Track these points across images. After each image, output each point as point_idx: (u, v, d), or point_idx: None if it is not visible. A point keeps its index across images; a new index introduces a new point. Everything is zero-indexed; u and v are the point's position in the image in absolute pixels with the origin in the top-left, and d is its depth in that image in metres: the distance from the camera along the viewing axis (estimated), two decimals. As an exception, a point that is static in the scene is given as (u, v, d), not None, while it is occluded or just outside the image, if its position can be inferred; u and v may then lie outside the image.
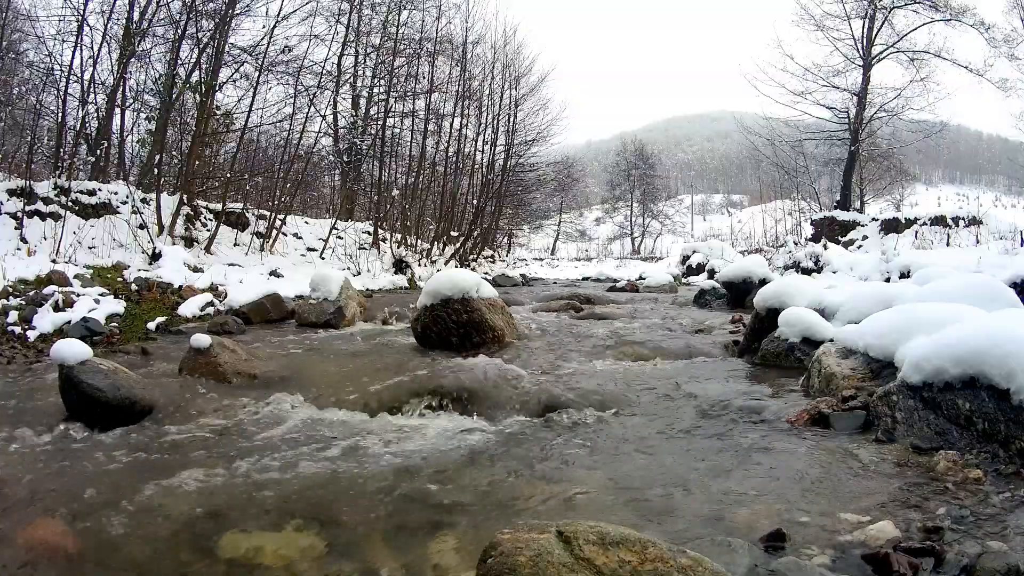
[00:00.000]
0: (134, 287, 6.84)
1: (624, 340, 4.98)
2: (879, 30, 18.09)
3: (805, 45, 47.74)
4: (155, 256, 8.21)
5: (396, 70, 15.08)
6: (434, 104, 16.38)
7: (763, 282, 6.94)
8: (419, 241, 16.05)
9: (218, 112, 11.94)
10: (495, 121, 19.33)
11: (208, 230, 10.48)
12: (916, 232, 13.87)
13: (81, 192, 8.77)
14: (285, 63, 12.23)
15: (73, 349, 2.95)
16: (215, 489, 2.14)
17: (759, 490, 1.94)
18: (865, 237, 15.57)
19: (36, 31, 10.78)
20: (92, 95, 10.20)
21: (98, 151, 10.22)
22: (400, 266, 12.89)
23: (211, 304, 6.68)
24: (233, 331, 5.58)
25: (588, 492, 2.04)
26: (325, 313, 6.26)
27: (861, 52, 18.30)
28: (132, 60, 10.55)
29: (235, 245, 10.93)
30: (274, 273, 9.44)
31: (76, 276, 6.42)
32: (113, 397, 2.88)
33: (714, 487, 1.99)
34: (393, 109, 15.33)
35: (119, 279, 7.05)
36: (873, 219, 16.62)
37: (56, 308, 5.43)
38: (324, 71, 13.44)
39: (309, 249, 12.61)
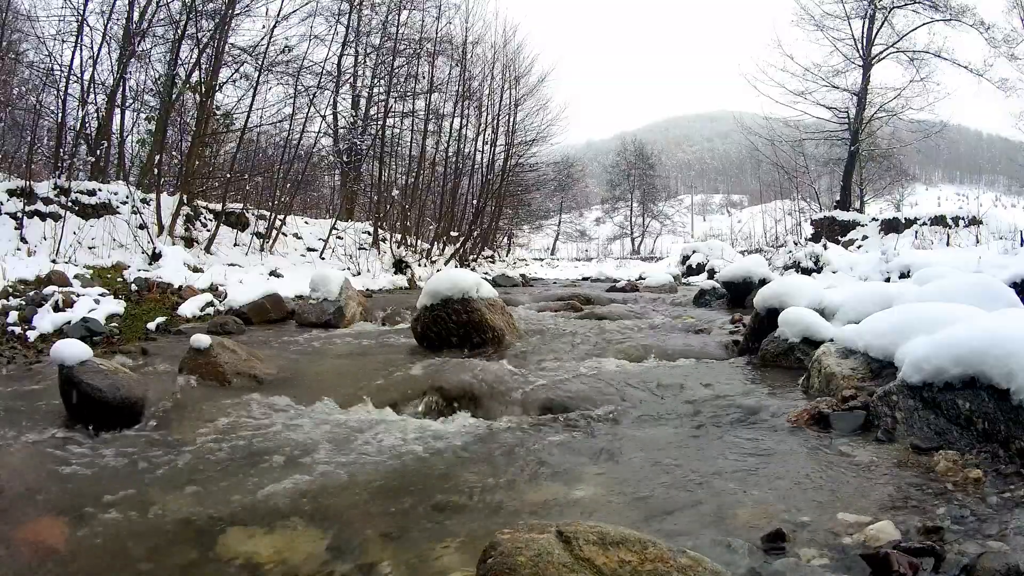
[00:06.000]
0: (134, 287, 6.84)
1: (624, 340, 4.98)
2: (879, 30, 18.08)
3: (805, 45, 47.60)
4: (155, 256, 8.21)
5: (396, 70, 15.08)
6: (434, 104, 16.39)
7: (763, 282, 6.93)
8: (419, 241, 16.05)
9: (218, 112, 11.95)
10: (495, 121, 19.34)
11: (208, 230, 10.49)
12: (916, 232, 13.87)
13: (81, 192, 8.77)
14: (285, 63, 12.24)
15: (73, 349, 2.95)
16: (215, 489, 2.14)
17: (759, 490, 1.94)
18: (865, 237, 15.57)
19: (36, 31, 10.80)
20: (92, 95, 10.22)
21: (98, 151, 10.23)
22: (400, 266, 12.89)
23: (211, 304, 6.68)
24: (233, 331, 5.58)
25: (588, 492, 2.04)
26: (325, 313, 6.26)
27: (861, 52, 18.29)
28: (132, 60, 10.56)
29: (235, 245, 10.94)
30: (274, 273, 9.44)
31: (76, 276, 6.42)
32: (113, 397, 2.88)
33: (714, 487, 1.99)
34: (393, 109, 15.34)
35: (119, 279, 7.06)
36: (873, 219, 16.62)
37: (56, 308, 5.43)
38: (324, 71, 13.45)
39: (309, 249, 12.61)
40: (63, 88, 9.79)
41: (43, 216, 8.01)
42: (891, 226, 15.30)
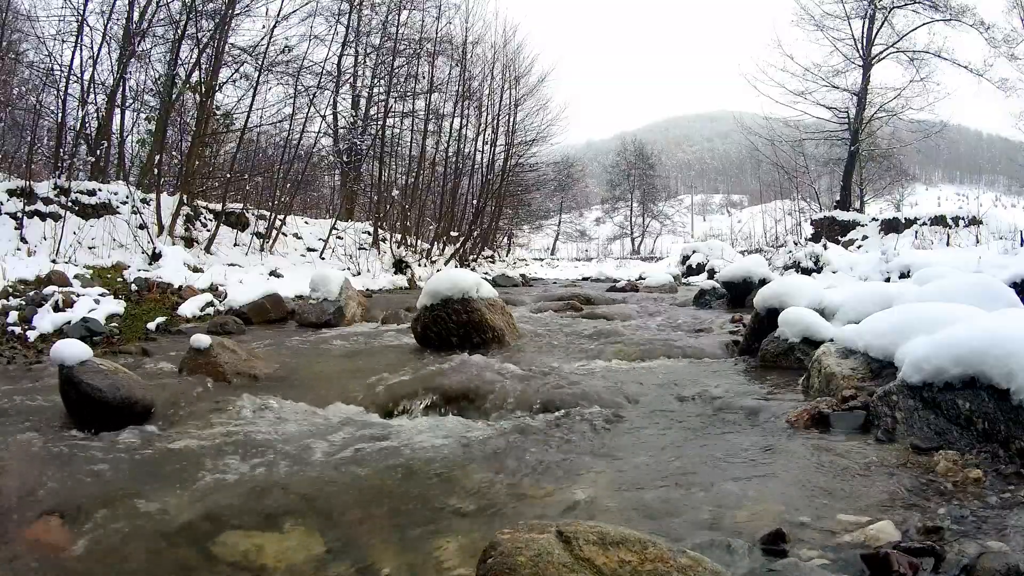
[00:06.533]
0: (134, 287, 6.84)
1: (624, 340, 4.98)
2: (879, 30, 18.09)
3: (805, 45, 47.58)
4: (155, 256, 8.22)
5: (396, 70, 15.09)
6: (434, 104, 16.41)
7: (763, 282, 6.93)
8: (419, 241, 16.05)
9: (218, 112, 11.95)
10: (495, 121, 19.36)
11: (208, 230, 10.49)
12: (916, 232, 13.87)
13: (81, 192, 8.77)
14: (285, 63, 12.26)
15: (73, 349, 2.94)
16: (215, 489, 2.14)
17: (759, 490, 1.94)
18: (865, 237, 15.57)
19: (36, 31, 10.80)
20: (92, 95, 10.23)
21: (98, 151, 10.23)
22: (400, 266, 12.90)
23: (211, 304, 6.68)
24: (233, 331, 5.58)
25: (588, 492, 2.04)
26: (325, 313, 6.26)
27: (861, 52, 18.30)
28: (132, 60, 10.56)
29: (235, 245, 10.94)
30: (274, 273, 9.44)
31: (76, 276, 6.43)
32: (113, 397, 2.87)
33: (714, 487, 1.99)
34: (393, 109, 15.34)
35: (119, 279, 7.06)
36: (873, 219, 16.62)
37: (56, 308, 5.43)
38: (324, 71, 13.46)
39: (309, 249, 12.61)
40: (63, 88, 9.80)
41: (43, 216, 8.01)
42: (891, 226, 15.30)
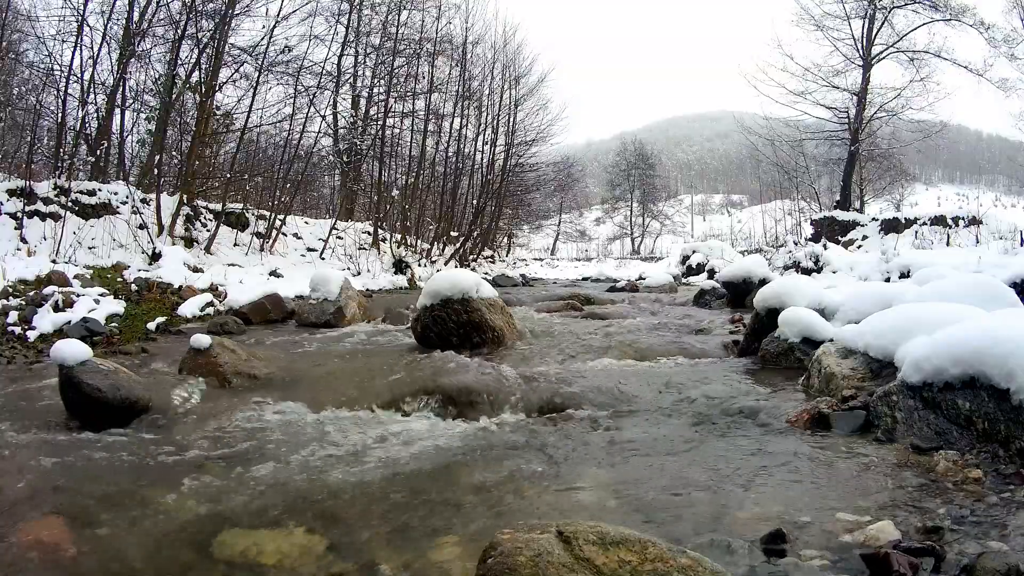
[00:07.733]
0: (134, 287, 6.84)
1: (624, 340, 4.98)
2: (879, 30, 18.10)
3: (805, 45, 47.45)
4: (155, 256, 8.22)
5: (396, 70, 15.10)
6: (434, 104, 16.42)
7: (763, 282, 6.93)
8: (419, 241, 16.06)
9: (218, 112, 11.95)
10: (495, 121, 19.38)
11: (208, 230, 10.49)
12: (916, 232, 13.87)
13: (81, 192, 8.77)
14: (285, 63, 12.26)
15: (73, 349, 2.94)
16: (215, 489, 2.14)
17: (759, 490, 1.94)
18: (865, 237, 15.57)
19: (36, 31, 10.81)
20: (92, 95, 10.23)
21: (98, 151, 10.24)
22: (400, 266, 12.90)
23: (211, 304, 6.68)
24: (233, 331, 5.58)
25: (588, 492, 2.04)
26: (325, 313, 6.26)
27: (861, 52, 18.30)
28: (132, 60, 10.56)
29: (235, 245, 10.94)
30: (274, 273, 9.45)
31: (76, 276, 6.42)
32: (113, 397, 2.87)
33: (714, 487, 1.99)
34: (393, 109, 15.35)
35: (119, 279, 7.06)
36: (873, 219, 16.62)
37: (56, 308, 5.43)
38: (324, 71, 13.47)
39: (309, 249, 12.61)
40: (63, 88, 9.81)
41: (43, 216, 8.02)
42: (891, 226, 15.30)
